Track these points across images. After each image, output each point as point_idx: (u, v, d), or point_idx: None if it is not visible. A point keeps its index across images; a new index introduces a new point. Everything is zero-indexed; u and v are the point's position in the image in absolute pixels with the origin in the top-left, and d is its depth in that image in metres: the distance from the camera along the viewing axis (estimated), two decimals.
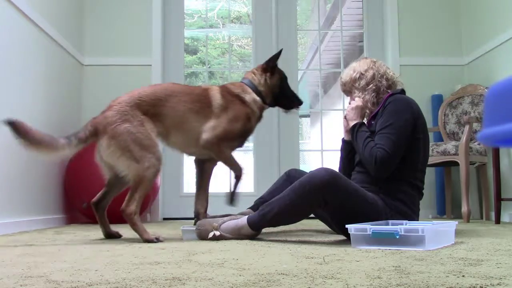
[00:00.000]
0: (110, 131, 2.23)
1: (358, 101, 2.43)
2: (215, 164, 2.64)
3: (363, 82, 2.46)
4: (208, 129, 2.43)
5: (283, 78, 2.72)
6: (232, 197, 2.50)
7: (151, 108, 2.35)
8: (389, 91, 2.45)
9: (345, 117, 2.47)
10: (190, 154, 2.62)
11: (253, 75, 2.68)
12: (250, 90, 2.62)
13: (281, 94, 2.70)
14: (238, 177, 2.52)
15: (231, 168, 2.54)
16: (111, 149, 2.22)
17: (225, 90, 2.57)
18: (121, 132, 2.22)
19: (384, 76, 2.46)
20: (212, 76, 9.09)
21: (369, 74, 2.46)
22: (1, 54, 2.89)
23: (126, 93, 2.42)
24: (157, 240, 2.19)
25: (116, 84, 4.25)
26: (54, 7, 3.73)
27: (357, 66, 2.52)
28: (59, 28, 3.78)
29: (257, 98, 2.61)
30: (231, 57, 5.88)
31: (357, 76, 2.48)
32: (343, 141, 2.54)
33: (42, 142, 2.09)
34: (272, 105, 2.74)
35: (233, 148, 2.56)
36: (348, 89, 2.54)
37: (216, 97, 2.51)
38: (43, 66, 3.50)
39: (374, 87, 2.44)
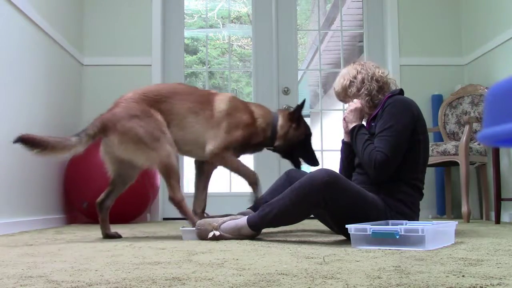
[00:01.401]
0: (120, 128, 2.28)
1: (357, 103, 2.41)
2: (215, 166, 2.64)
3: (354, 89, 2.45)
4: (210, 140, 2.46)
5: (308, 135, 2.66)
6: (255, 205, 2.47)
7: (154, 104, 2.41)
8: (385, 92, 2.42)
9: (344, 119, 2.44)
10: (185, 153, 2.63)
11: (282, 115, 2.62)
12: (269, 117, 2.58)
13: (299, 150, 2.63)
14: (251, 185, 2.51)
15: (242, 177, 2.52)
16: (125, 144, 2.29)
17: (236, 99, 2.59)
18: (130, 127, 2.29)
19: (374, 78, 2.44)
20: (212, 76, 9.09)
21: (359, 79, 2.45)
22: (1, 54, 2.89)
23: (131, 91, 2.46)
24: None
25: (116, 84, 4.25)
26: (54, 7, 3.73)
27: (346, 73, 2.50)
28: (59, 28, 3.78)
29: (268, 132, 2.57)
30: (231, 57, 5.88)
31: (348, 83, 2.47)
32: (343, 142, 2.52)
33: (57, 146, 2.15)
34: (279, 153, 2.67)
35: (238, 156, 2.56)
36: (342, 98, 2.54)
37: (221, 102, 2.51)
38: (43, 66, 3.50)
39: (366, 92, 2.42)
